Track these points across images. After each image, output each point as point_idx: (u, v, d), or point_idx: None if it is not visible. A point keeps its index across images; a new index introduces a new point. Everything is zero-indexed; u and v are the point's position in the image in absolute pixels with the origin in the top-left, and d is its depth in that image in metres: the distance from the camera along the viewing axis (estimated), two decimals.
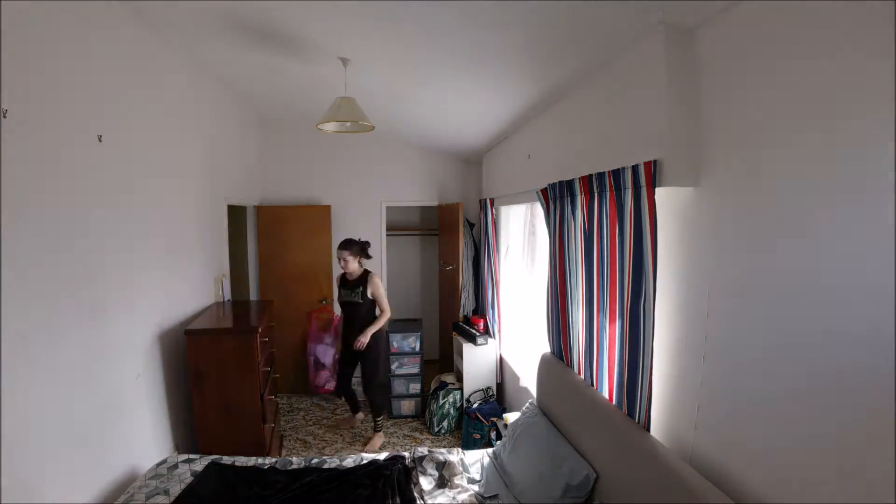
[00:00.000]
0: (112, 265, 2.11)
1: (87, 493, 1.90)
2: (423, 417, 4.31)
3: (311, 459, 2.44)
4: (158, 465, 2.25)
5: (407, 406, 4.36)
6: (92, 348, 1.95)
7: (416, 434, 4.05)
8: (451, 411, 4.03)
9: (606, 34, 1.85)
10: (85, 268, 1.91)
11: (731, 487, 1.47)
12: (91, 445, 1.93)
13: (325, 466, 2.38)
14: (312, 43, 2.42)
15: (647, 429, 1.79)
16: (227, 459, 2.34)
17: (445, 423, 4.00)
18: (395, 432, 4.09)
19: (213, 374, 2.64)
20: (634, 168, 1.75)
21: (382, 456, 2.49)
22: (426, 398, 4.30)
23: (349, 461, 2.44)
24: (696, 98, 1.63)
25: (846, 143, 1.11)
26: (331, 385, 4.62)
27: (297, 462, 2.42)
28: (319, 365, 4.61)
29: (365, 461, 2.43)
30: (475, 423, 3.67)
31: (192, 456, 2.32)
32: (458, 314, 4.69)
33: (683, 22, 1.62)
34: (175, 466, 2.25)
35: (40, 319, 1.64)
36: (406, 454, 2.55)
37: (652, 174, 1.67)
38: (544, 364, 2.81)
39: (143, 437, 2.40)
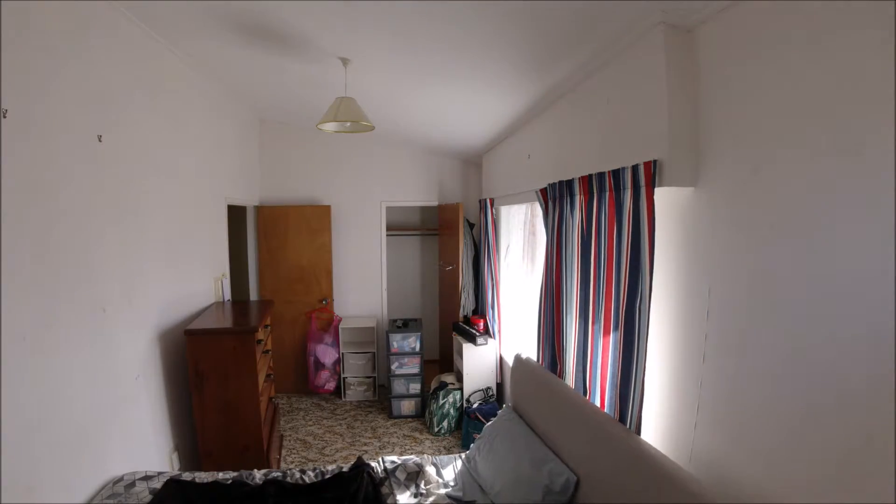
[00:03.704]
0: (112, 265, 2.11)
1: (87, 493, 1.90)
2: (423, 417, 4.31)
3: (271, 472, 2.31)
4: (115, 483, 2.05)
5: (407, 406, 4.36)
6: (91, 348, 1.95)
7: (416, 434, 4.05)
8: (451, 411, 4.03)
9: (606, 34, 1.85)
10: (85, 268, 1.91)
11: (731, 486, 1.47)
12: (91, 446, 1.93)
13: (288, 480, 2.25)
14: (312, 43, 2.42)
15: (638, 432, 1.78)
16: (186, 476, 2.22)
17: (445, 424, 4.00)
18: (395, 432, 4.08)
19: (213, 374, 2.63)
20: (634, 168, 1.75)
21: (347, 466, 2.37)
22: (426, 398, 4.30)
23: (310, 473, 2.33)
24: (696, 98, 1.63)
25: (846, 143, 1.11)
26: (331, 385, 4.64)
27: (259, 477, 2.26)
28: (319, 365, 4.61)
29: (328, 474, 2.31)
30: (475, 423, 3.67)
31: (149, 472, 2.17)
32: (458, 314, 4.68)
33: (683, 22, 1.62)
34: (132, 485, 2.08)
35: (40, 319, 1.64)
36: (374, 463, 2.43)
37: (651, 174, 1.67)
38: (519, 365, 2.78)
39: (143, 437, 2.40)
